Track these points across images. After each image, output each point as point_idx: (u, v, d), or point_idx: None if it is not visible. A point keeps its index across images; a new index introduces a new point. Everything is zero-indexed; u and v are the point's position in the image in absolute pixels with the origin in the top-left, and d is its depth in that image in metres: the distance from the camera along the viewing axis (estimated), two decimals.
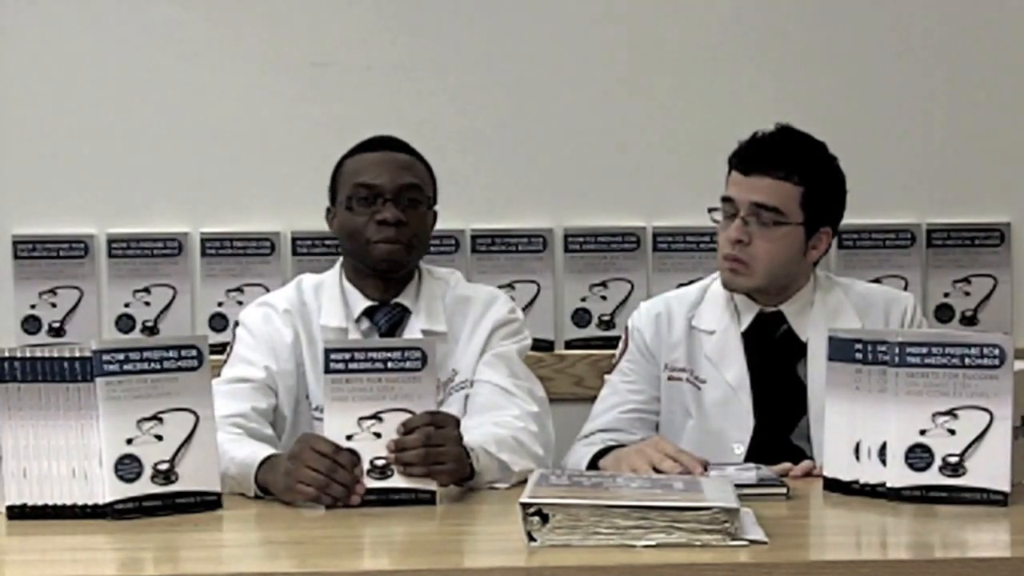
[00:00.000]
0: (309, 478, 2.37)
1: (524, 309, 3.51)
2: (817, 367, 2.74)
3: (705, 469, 2.50)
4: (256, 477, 2.47)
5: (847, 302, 2.97)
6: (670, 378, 2.99)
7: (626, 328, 3.07)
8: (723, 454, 2.83)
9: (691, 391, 2.96)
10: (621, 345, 3.06)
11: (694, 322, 2.99)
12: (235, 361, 2.85)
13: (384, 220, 2.80)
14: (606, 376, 3.08)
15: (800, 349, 2.93)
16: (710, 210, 2.94)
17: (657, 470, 2.50)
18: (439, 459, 2.41)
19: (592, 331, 3.60)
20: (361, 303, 2.88)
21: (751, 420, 2.91)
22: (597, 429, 2.95)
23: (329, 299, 2.89)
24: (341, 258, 2.95)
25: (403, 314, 2.88)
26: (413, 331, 2.85)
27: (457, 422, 2.48)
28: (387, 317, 2.88)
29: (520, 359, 2.91)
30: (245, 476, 2.49)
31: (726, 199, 2.90)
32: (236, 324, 2.94)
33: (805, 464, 2.67)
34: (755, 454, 2.85)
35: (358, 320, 2.88)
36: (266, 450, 2.54)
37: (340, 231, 2.88)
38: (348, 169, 2.88)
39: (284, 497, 2.42)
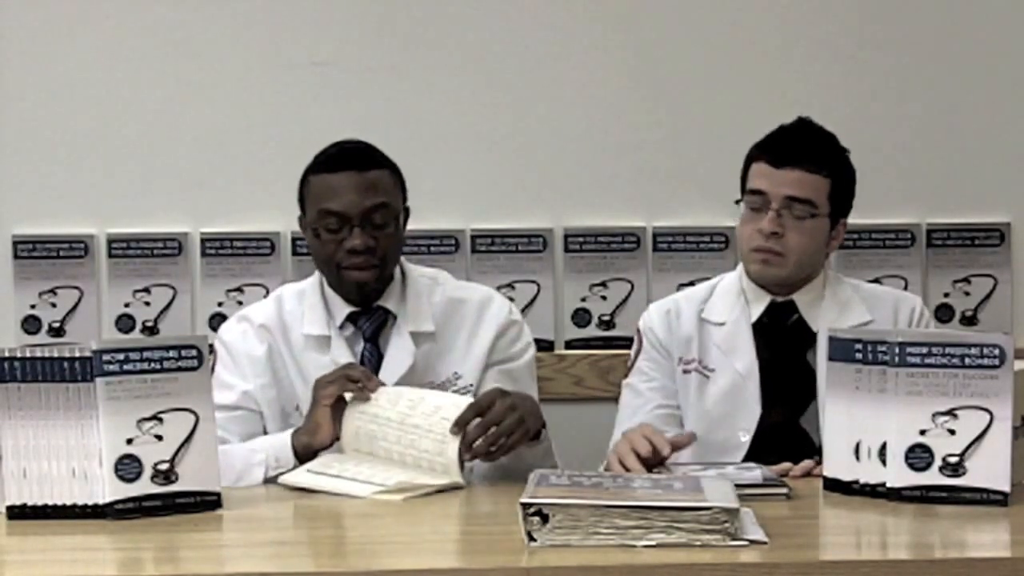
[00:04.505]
0: (324, 383, 2.61)
1: (524, 309, 3.52)
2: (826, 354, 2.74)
3: (672, 451, 2.54)
4: (292, 441, 2.64)
5: (856, 297, 2.98)
6: (684, 371, 2.99)
7: (637, 330, 3.05)
8: (729, 441, 2.85)
9: (698, 379, 2.96)
10: (635, 348, 3.04)
11: (704, 314, 2.99)
12: (216, 386, 2.76)
13: (353, 249, 2.77)
14: (624, 382, 3.04)
15: (811, 338, 2.93)
16: (737, 202, 2.93)
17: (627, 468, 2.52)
18: (504, 433, 2.53)
19: (592, 331, 3.60)
20: (343, 309, 2.85)
21: (758, 408, 2.91)
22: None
23: (311, 307, 2.86)
24: None
25: (386, 317, 2.85)
26: (400, 333, 2.83)
27: (501, 392, 2.59)
28: (370, 322, 2.85)
29: (530, 376, 2.90)
30: (282, 445, 2.63)
31: (755, 191, 2.90)
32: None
33: (805, 464, 2.67)
34: (761, 441, 2.86)
35: (341, 327, 2.85)
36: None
37: (312, 254, 2.86)
38: (313, 190, 2.82)
39: (317, 426, 2.62)
